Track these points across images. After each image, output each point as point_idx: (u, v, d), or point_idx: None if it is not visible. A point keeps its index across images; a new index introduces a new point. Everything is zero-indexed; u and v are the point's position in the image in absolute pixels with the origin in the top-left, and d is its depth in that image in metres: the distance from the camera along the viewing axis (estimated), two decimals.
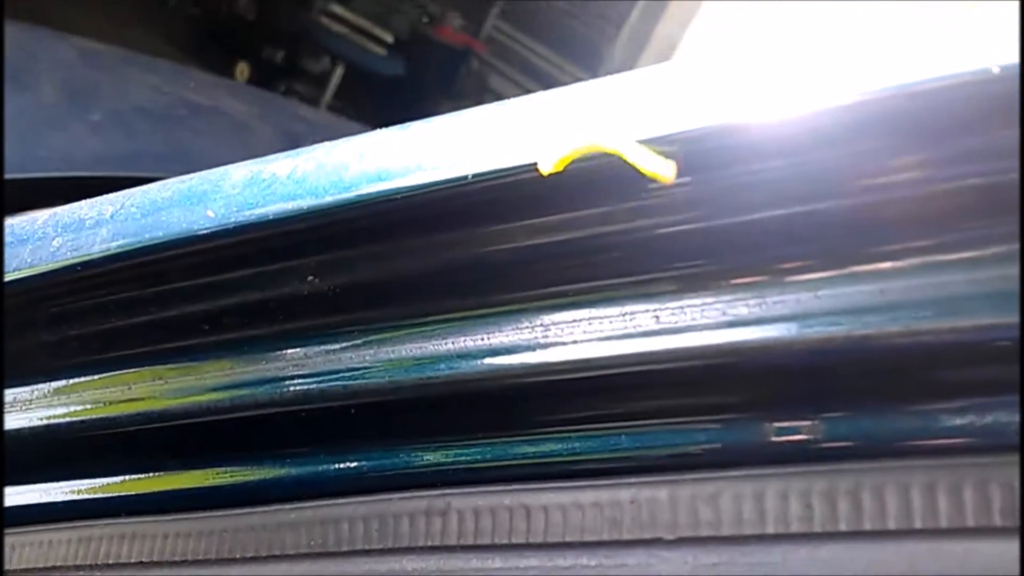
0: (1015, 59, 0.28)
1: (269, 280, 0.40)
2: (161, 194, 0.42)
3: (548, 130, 0.34)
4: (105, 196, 0.45)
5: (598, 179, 0.34)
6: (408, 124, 0.39)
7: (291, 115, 1.89)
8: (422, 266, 0.38)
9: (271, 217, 0.37)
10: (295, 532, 0.43)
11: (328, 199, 0.36)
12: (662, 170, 0.31)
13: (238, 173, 0.40)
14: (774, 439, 0.37)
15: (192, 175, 0.42)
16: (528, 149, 0.34)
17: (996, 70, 0.28)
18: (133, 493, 0.48)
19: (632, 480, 0.38)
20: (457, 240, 0.37)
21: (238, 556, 0.43)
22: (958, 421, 0.34)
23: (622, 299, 0.36)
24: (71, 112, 1.30)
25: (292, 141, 1.66)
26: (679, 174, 0.32)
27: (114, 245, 0.40)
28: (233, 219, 0.38)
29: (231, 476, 0.46)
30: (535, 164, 0.33)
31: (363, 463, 0.43)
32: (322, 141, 0.40)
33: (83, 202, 0.45)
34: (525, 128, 0.35)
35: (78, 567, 0.47)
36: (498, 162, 0.34)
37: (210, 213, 0.38)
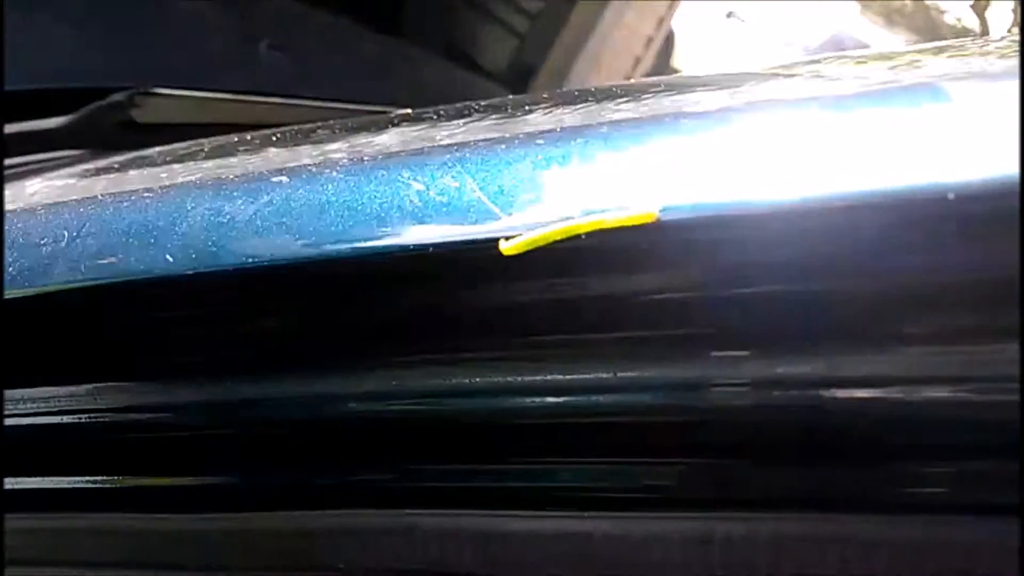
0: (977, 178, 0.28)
1: (229, 318, 0.40)
2: (116, 223, 0.41)
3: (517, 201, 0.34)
4: (59, 213, 0.44)
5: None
6: (370, 166, 0.38)
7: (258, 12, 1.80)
8: (383, 317, 0.38)
9: (230, 270, 0.37)
10: (262, 541, 0.45)
11: (288, 256, 0.36)
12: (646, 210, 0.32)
13: (197, 210, 0.39)
14: (725, 486, 0.38)
15: (148, 201, 0.41)
16: (491, 222, 0.34)
17: (951, 196, 0.28)
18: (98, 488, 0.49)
19: (592, 515, 0.40)
20: (420, 297, 0.37)
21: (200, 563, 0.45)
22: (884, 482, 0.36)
23: (581, 356, 0.37)
24: (21, 15, 1.24)
25: (254, 42, 1.59)
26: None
27: (70, 281, 0.40)
28: (191, 267, 0.37)
29: (193, 480, 0.47)
30: (496, 242, 0.33)
31: (330, 479, 0.44)
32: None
33: (37, 217, 0.44)
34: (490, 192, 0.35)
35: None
36: (460, 234, 0.34)
37: (169, 258, 0.38)
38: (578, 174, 0.34)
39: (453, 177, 0.35)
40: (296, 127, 0.84)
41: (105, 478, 0.48)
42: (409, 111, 0.79)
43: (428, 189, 0.35)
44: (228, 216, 0.38)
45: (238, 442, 0.45)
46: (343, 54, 1.71)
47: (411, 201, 0.35)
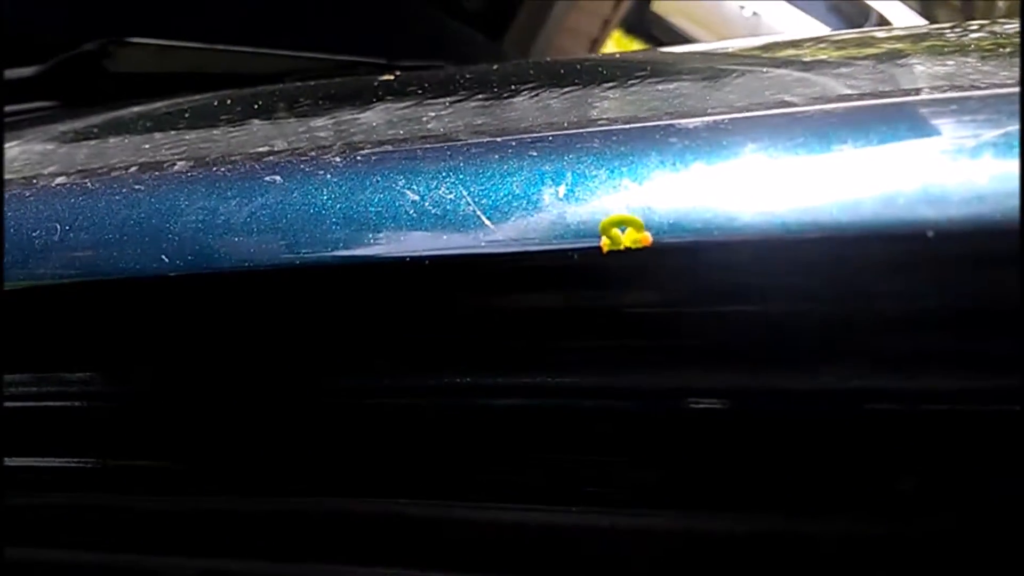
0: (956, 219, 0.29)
1: (222, 322, 0.41)
2: (109, 218, 0.41)
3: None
4: (51, 202, 0.44)
5: None
6: (365, 170, 0.39)
7: None
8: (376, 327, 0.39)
9: (225, 273, 0.37)
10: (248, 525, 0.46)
11: (281, 261, 0.37)
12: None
13: (191, 208, 0.39)
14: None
15: (143, 193, 0.42)
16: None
17: (930, 234, 0.29)
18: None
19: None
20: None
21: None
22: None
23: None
24: None
25: None
26: None
27: (64, 276, 0.40)
28: (186, 268, 0.38)
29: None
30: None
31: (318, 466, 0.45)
32: None
33: (28, 207, 0.44)
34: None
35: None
36: (444, 246, 0.35)
37: (164, 258, 0.38)
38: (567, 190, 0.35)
39: (448, 189, 0.36)
40: (275, 91, 0.83)
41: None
42: (391, 77, 0.79)
43: (423, 199, 0.36)
44: (223, 217, 0.38)
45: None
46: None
47: (407, 211, 0.36)
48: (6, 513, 0.47)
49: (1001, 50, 0.52)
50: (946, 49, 0.57)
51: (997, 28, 0.59)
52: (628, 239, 0.33)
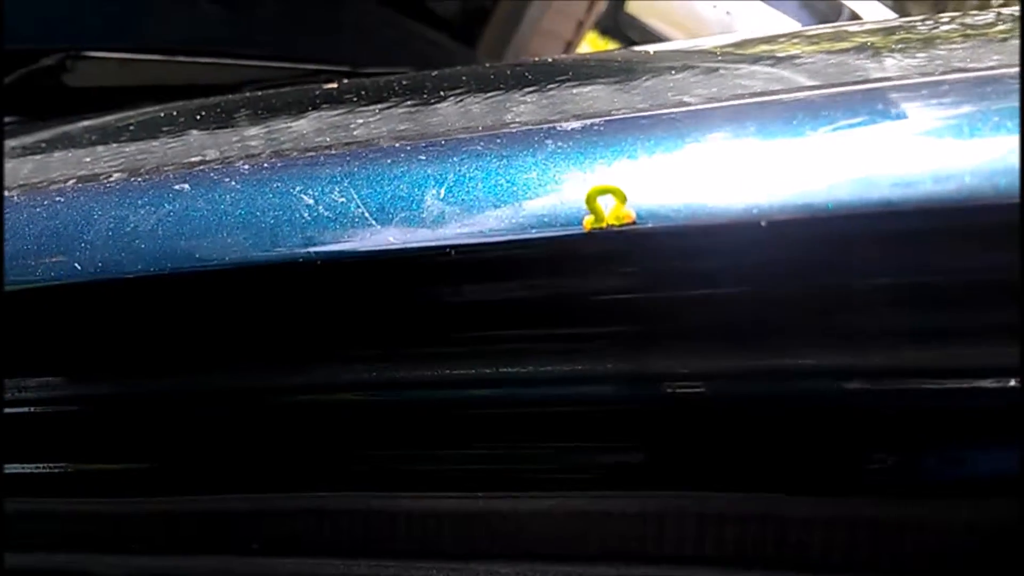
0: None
1: (144, 326, 0.42)
2: (30, 228, 0.43)
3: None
4: None
5: None
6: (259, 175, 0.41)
7: None
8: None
9: (133, 280, 0.39)
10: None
11: (186, 266, 0.38)
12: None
13: (102, 219, 0.41)
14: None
15: (57, 205, 0.43)
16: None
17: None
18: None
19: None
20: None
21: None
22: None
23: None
24: None
25: None
26: None
27: None
28: (97, 276, 0.40)
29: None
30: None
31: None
32: None
33: None
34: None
35: None
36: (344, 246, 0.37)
37: (77, 266, 0.40)
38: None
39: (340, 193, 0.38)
40: (222, 103, 0.85)
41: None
42: (334, 86, 0.81)
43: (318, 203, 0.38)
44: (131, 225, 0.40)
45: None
46: (285, 6, 1.69)
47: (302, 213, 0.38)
48: None
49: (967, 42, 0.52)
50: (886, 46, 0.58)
51: (968, 20, 0.59)
52: (612, 216, 0.33)
